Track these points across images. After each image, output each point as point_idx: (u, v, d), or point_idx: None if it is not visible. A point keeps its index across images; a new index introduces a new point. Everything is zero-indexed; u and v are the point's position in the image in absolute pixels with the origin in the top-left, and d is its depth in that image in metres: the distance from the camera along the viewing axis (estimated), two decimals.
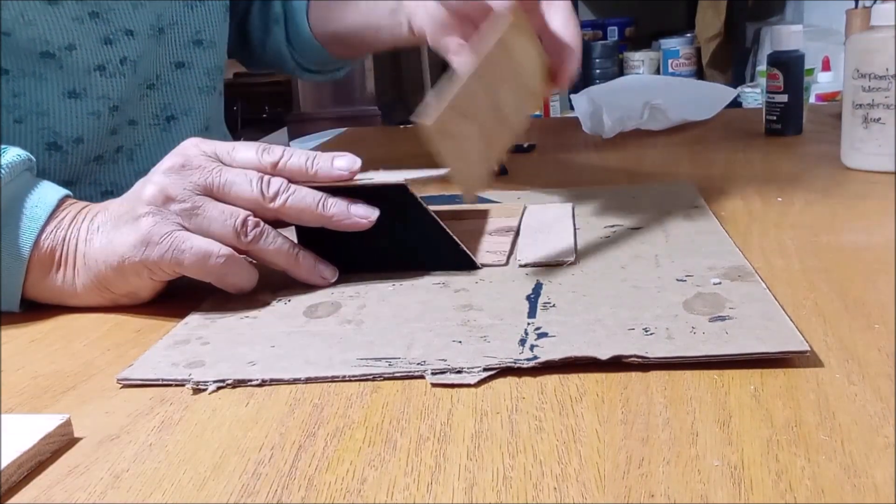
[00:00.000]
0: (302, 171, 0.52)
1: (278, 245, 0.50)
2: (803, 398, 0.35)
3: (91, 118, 0.69)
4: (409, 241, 0.53)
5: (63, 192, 0.54)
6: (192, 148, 0.51)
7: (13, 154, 0.53)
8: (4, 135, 0.65)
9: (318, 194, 0.51)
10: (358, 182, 0.52)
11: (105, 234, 0.50)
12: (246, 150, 0.52)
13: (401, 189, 0.52)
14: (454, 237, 0.53)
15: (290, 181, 0.51)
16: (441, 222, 0.53)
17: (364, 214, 0.51)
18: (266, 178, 0.50)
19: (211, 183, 0.49)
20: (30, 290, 0.52)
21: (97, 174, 0.72)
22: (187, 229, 0.49)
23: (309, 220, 0.51)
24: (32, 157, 0.55)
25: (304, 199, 0.50)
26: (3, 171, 0.51)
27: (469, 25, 0.60)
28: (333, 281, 0.52)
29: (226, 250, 0.49)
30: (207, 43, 0.78)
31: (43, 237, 0.51)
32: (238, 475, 0.32)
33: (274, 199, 0.50)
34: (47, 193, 0.53)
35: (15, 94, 0.65)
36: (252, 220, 0.49)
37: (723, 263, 0.50)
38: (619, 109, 0.97)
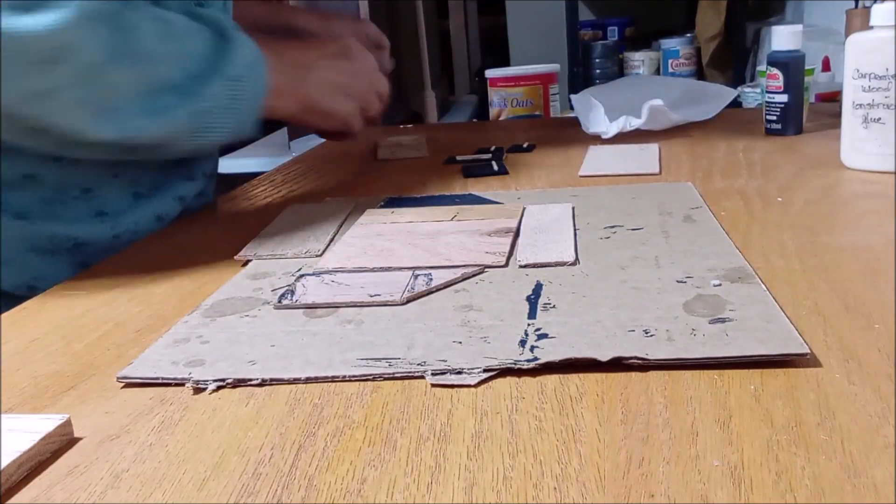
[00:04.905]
0: None
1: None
2: (803, 398, 0.35)
3: None
4: None
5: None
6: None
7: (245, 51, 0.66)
8: None
9: None
10: None
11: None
12: None
13: None
14: None
15: None
16: None
17: None
18: None
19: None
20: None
21: None
22: None
23: None
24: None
25: None
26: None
27: None
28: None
29: None
30: None
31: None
32: (238, 475, 0.32)
33: None
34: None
35: None
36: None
37: (723, 265, 0.50)
38: (619, 109, 0.97)
